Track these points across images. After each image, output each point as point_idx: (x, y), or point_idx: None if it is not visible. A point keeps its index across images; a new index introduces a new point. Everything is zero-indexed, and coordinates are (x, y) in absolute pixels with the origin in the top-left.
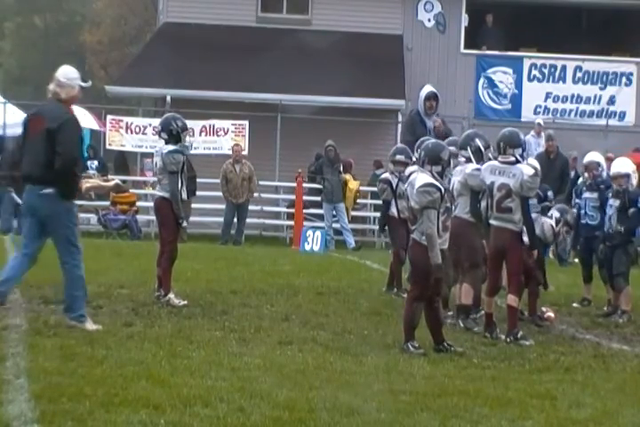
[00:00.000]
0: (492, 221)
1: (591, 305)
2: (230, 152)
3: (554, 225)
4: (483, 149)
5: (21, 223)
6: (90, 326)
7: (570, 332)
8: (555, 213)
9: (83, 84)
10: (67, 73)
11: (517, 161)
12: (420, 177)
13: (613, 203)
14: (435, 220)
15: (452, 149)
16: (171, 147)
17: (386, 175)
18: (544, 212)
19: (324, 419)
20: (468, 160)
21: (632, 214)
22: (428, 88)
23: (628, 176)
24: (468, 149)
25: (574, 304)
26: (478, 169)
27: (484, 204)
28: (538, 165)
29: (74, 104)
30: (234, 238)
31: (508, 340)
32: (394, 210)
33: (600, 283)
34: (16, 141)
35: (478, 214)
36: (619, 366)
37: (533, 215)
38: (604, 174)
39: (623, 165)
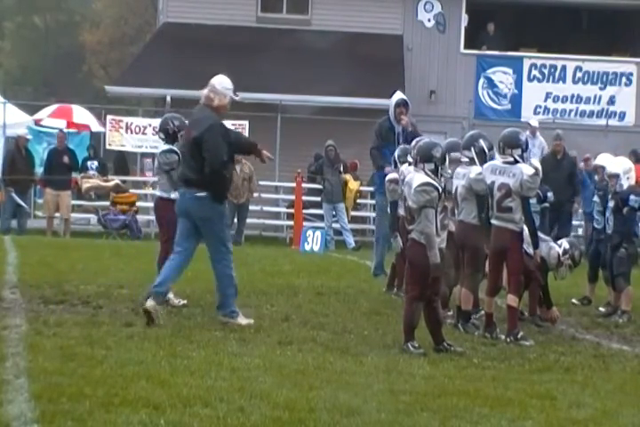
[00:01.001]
0: (492, 221)
1: (591, 305)
2: None
3: (560, 254)
4: (487, 150)
5: (178, 223)
6: (242, 320)
7: (570, 332)
8: (565, 244)
9: (234, 96)
10: (222, 81)
11: (517, 161)
12: (417, 177)
13: (611, 204)
14: (433, 219)
15: (457, 155)
16: (165, 146)
17: (394, 175)
18: (543, 213)
19: (324, 419)
20: (472, 161)
21: (627, 213)
22: (398, 95)
23: (617, 176)
24: (472, 149)
25: (573, 300)
26: (482, 173)
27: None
28: (539, 166)
29: (222, 114)
30: (234, 239)
31: (508, 340)
32: (400, 210)
33: (601, 283)
34: (15, 142)
35: (486, 220)
36: (619, 366)
37: (546, 237)
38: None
39: (615, 164)
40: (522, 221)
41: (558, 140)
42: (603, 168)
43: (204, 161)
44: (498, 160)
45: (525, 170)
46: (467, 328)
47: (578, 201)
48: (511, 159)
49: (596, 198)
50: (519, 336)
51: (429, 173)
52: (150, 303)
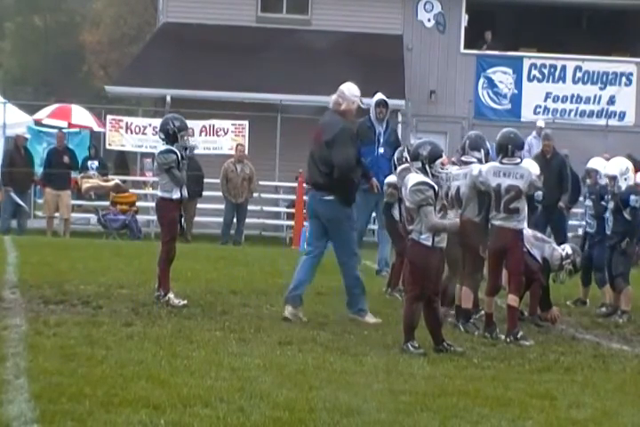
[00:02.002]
0: (494, 222)
1: (586, 306)
2: (230, 152)
3: (563, 257)
4: (490, 151)
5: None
6: (370, 319)
7: (570, 332)
8: (568, 249)
9: (362, 104)
10: (350, 88)
11: (521, 161)
12: (413, 177)
13: (610, 205)
14: (431, 214)
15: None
16: (163, 147)
17: (393, 179)
18: (533, 213)
19: (324, 419)
20: (479, 162)
21: (630, 214)
22: (378, 95)
23: (614, 178)
24: (482, 151)
25: (568, 303)
26: (481, 171)
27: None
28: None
29: (349, 118)
30: (234, 239)
31: (508, 340)
32: (396, 212)
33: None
34: (14, 142)
35: (485, 219)
36: (619, 366)
37: (549, 239)
38: (603, 182)
39: (611, 166)
40: (523, 220)
41: (547, 140)
42: (595, 172)
43: (332, 165)
44: (497, 161)
45: (533, 170)
46: (467, 327)
47: (564, 200)
48: (518, 160)
49: (588, 202)
50: (519, 336)
51: (418, 171)
52: (289, 310)
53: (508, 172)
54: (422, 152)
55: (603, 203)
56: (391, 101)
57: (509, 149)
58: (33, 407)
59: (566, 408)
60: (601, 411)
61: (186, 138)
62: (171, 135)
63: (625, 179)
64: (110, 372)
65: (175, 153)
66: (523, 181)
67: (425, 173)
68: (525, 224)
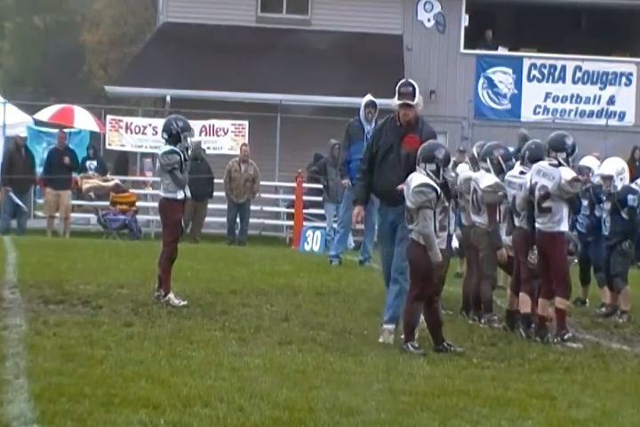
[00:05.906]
0: (536, 225)
1: (585, 306)
2: (230, 152)
3: None
4: (502, 161)
5: None
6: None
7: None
8: None
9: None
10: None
11: (560, 164)
12: (416, 177)
13: (605, 206)
14: (431, 219)
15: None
16: (166, 147)
17: None
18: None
19: (324, 419)
20: (487, 171)
21: (628, 214)
22: (368, 97)
23: (610, 178)
24: (488, 161)
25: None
26: (490, 185)
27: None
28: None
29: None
30: (238, 239)
31: (556, 341)
32: None
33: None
34: (14, 142)
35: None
36: (619, 366)
37: None
38: (595, 181)
39: (607, 166)
40: (561, 223)
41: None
42: (588, 169)
43: None
44: (545, 162)
45: (564, 175)
46: (528, 333)
47: None
48: (555, 162)
49: (584, 202)
50: (566, 337)
51: (430, 173)
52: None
53: (546, 172)
54: (438, 155)
55: (601, 205)
56: (391, 101)
57: (546, 148)
58: (33, 407)
59: (566, 408)
60: (601, 411)
61: (188, 139)
62: (174, 135)
63: (621, 179)
64: (110, 372)
65: (179, 154)
66: (553, 182)
67: (437, 175)
68: (565, 227)
